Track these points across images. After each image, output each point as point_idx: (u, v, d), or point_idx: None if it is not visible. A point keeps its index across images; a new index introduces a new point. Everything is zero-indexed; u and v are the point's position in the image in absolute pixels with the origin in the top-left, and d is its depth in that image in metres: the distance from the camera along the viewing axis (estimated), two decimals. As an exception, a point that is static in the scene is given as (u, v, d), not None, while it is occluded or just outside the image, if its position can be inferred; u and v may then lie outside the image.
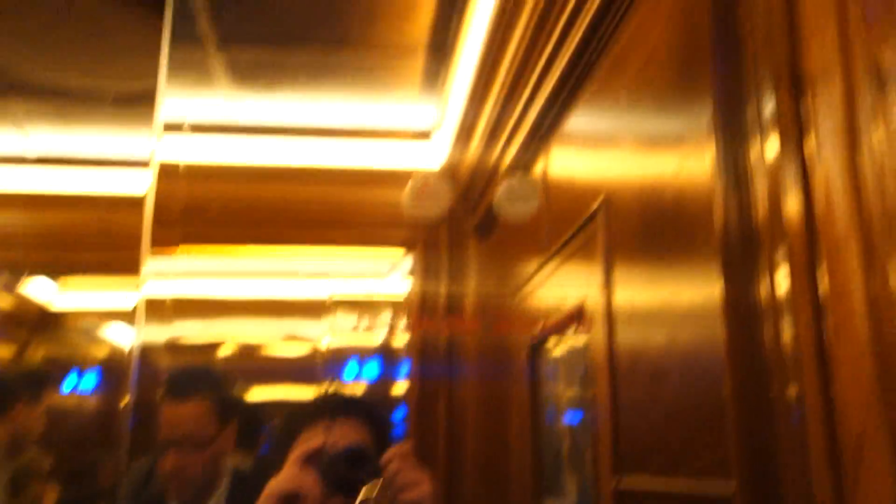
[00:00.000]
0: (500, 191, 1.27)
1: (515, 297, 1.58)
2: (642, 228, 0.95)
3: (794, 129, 0.70)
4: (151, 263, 1.67)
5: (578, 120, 1.26)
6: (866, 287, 0.59)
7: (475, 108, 1.55)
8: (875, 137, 0.63)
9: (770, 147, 0.73)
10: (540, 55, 1.23)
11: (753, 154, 0.76)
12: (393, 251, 1.99)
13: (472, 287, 1.98)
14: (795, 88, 0.71)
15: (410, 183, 1.28)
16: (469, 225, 1.88)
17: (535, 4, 1.10)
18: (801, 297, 0.65)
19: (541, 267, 1.37)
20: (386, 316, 2.19)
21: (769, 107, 0.74)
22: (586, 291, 1.11)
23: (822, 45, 0.69)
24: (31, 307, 2.11)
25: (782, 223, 0.69)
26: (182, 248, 1.70)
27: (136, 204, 1.62)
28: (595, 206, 1.08)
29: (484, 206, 1.74)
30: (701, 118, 0.82)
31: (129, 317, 1.90)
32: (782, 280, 0.68)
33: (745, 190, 0.77)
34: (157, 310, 1.93)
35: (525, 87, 1.36)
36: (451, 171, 1.75)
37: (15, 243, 2.02)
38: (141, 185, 1.64)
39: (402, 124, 1.78)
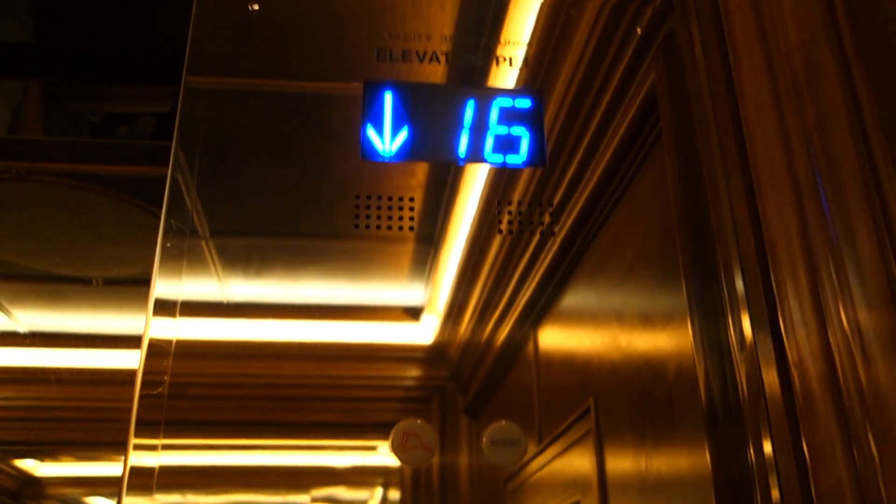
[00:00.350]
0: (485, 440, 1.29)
1: (509, 483, 1.52)
2: (633, 414, 0.97)
3: (766, 308, 0.75)
4: (138, 438, 1.60)
5: (569, 301, 1.27)
6: (845, 456, 0.63)
7: (464, 289, 1.56)
8: (842, 314, 0.67)
9: (745, 325, 0.78)
10: (526, 248, 1.26)
11: (731, 332, 0.81)
12: (383, 428, 1.92)
13: (464, 466, 1.90)
14: (762, 270, 0.77)
15: (396, 429, 1.28)
16: (460, 404, 1.83)
17: (517, 206, 1.14)
18: (786, 470, 0.69)
19: (535, 456, 1.34)
20: (378, 491, 2.08)
21: (739, 287, 0.80)
22: (581, 476, 1.09)
23: (786, 233, 0.74)
24: (14, 479, 2.02)
25: (764, 397, 0.74)
26: (169, 423, 1.64)
27: (124, 380, 1.58)
28: (588, 403, 1.08)
29: (475, 386, 1.71)
30: (678, 301, 0.87)
31: (113, 489, 1.81)
32: (767, 450, 0.72)
33: (727, 366, 0.81)
34: (144, 482, 1.82)
35: (514, 272, 1.38)
36: (440, 350, 1.73)
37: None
38: (130, 361, 1.61)
39: (391, 303, 1.78)
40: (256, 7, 1.04)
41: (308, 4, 1.08)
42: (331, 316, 1.75)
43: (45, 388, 2.06)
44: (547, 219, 1.09)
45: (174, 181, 1.24)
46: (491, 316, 1.60)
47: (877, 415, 0.63)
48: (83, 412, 2.01)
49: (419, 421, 1.28)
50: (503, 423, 1.29)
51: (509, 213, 1.09)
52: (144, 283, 1.58)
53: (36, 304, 1.89)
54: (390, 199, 1.03)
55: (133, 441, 1.04)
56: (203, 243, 1.46)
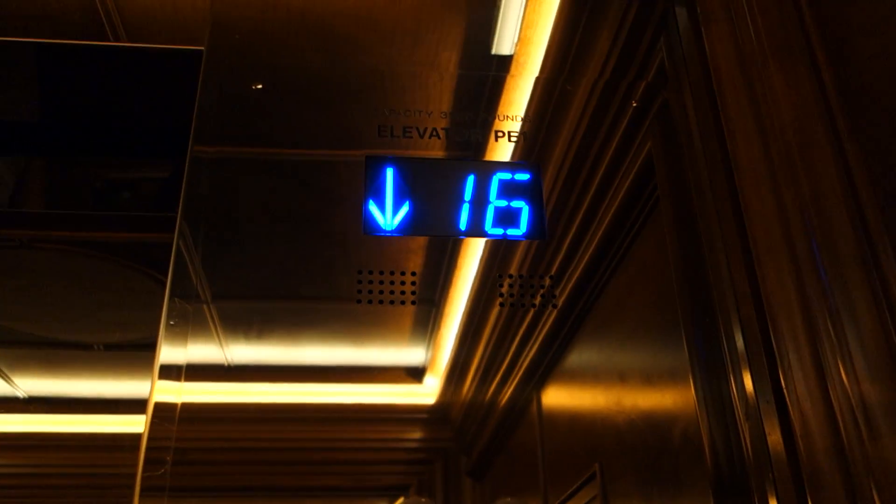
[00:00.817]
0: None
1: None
2: (639, 480, 0.96)
3: (769, 380, 0.75)
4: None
5: (572, 363, 1.27)
6: None
7: (466, 350, 1.56)
8: (846, 386, 0.67)
9: (749, 392, 0.78)
10: (526, 313, 1.27)
11: (736, 400, 0.81)
12: (386, 493, 1.89)
13: (468, 529, 1.87)
14: (764, 340, 0.77)
15: None
16: (464, 466, 1.81)
17: (517, 278, 1.15)
18: None
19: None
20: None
21: (742, 353, 0.80)
22: None
23: (787, 304, 0.74)
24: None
25: (769, 458, 0.73)
26: (174, 489, 1.62)
27: (125, 446, 1.56)
28: (594, 468, 1.07)
29: (478, 447, 1.69)
30: (681, 365, 0.86)
31: None
32: None
33: (731, 427, 0.81)
34: None
35: (516, 334, 1.38)
36: (443, 411, 1.72)
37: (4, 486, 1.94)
38: (132, 426, 1.60)
39: (393, 364, 1.78)
40: (260, 86, 1.06)
41: (310, 82, 1.10)
42: (333, 378, 1.74)
43: (45, 455, 2.03)
44: (546, 289, 1.09)
45: (178, 248, 1.26)
46: (493, 377, 1.59)
47: (885, 489, 0.63)
48: (85, 479, 1.98)
49: (423, 500, 1.27)
50: (509, 500, 1.27)
51: (510, 284, 1.10)
52: (145, 347, 1.58)
53: (36, 370, 1.88)
54: (392, 273, 1.04)
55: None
56: (205, 307, 1.47)
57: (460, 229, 1.03)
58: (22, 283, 1.63)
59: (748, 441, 0.78)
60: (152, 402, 1.18)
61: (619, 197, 1.02)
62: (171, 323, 1.04)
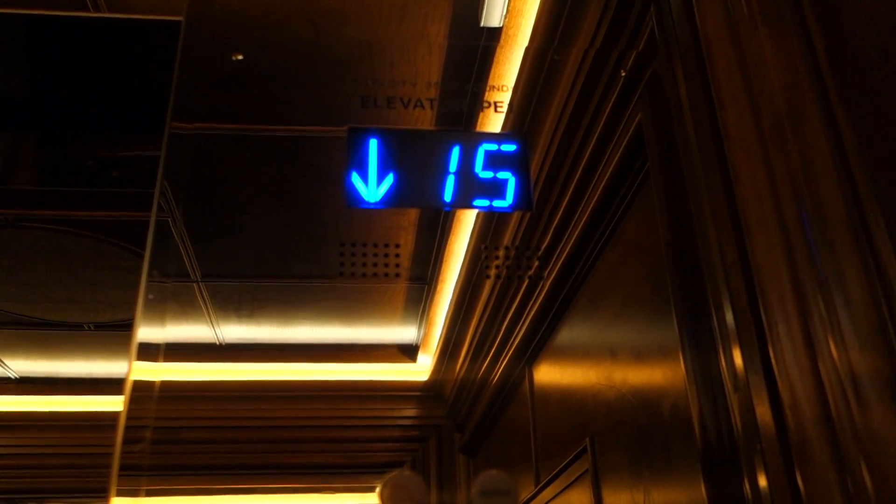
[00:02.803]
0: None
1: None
2: (629, 453, 0.97)
3: (757, 349, 0.74)
4: (122, 482, 1.58)
5: (564, 339, 1.27)
6: (840, 487, 0.63)
7: (458, 328, 1.55)
8: (834, 355, 0.66)
9: (738, 364, 0.78)
10: (518, 289, 1.26)
11: (724, 371, 0.81)
12: (379, 470, 1.90)
13: (463, 504, 1.89)
14: (753, 311, 0.77)
15: (384, 483, 1.27)
16: (457, 443, 1.81)
17: (506, 251, 1.14)
18: (781, 501, 0.68)
19: (533, 496, 1.33)
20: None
21: (731, 325, 0.80)
22: None
23: (775, 274, 0.74)
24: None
25: (757, 430, 0.72)
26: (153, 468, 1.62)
27: (108, 425, 1.56)
28: (585, 442, 1.08)
29: (471, 424, 1.69)
30: (671, 338, 0.87)
31: None
32: (763, 491, 0.71)
33: (719, 400, 0.80)
34: None
35: (508, 311, 1.38)
36: (436, 388, 1.72)
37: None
38: (116, 405, 1.60)
39: (386, 342, 1.77)
40: (240, 57, 1.05)
41: (292, 53, 1.09)
42: (325, 356, 1.73)
43: (35, 435, 2.03)
44: (535, 263, 1.09)
45: (165, 225, 1.24)
46: (486, 354, 1.59)
47: (874, 459, 0.62)
48: (74, 458, 1.98)
49: (407, 472, 1.27)
50: (494, 472, 1.27)
51: (497, 257, 1.09)
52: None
53: (27, 351, 1.87)
54: (375, 245, 1.03)
55: (115, 487, 1.03)
56: (195, 287, 1.46)
57: (445, 201, 1.02)
58: (9, 262, 1.62)
59: (737, 413, 0.78)
60: (130, 381, 1.17)
61: (610, 169, 1.01)
62: (150, 297, 1.03)
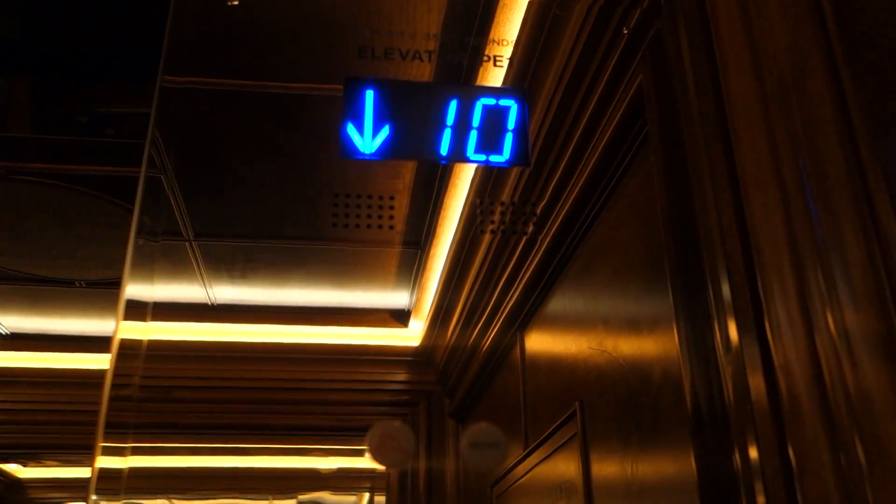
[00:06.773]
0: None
1: (495, 487, 1.52)
2: (619, 418, 0.96)
3: (752, 313, 0.73)
4: (108, 441, 1.59)
5: (556, 305, 1.26)
6: (832, 462, 0.62)
7: (451, 294, 1.55)
8: (829, 318, 0.65)
9: (731, 329, 0.76)
10: (513, 251, 1.25)
11: (717, 336, 0.80)
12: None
13: (450, 471, 1.90)
14: (748, 274, 0.76)
15: (373, 431, 1.27)
16: (447, 408, 1.82)
17: (503, 207, 1.13)
18: (772, 476, 0.67)
19: (521, 460, 1.33)
20: (364, 495, 2.08)
21: (725, 291, 0.80)
22: (566, 481, 1.09)
23: (773, 237, 0.73)
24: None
25: (750, 401, 0.71)
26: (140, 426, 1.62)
27: (98, 383, 1.56)
28: (574, 407, 1.07)
29: (462, 390, 1.70)
30: (665, 306, 0.87)
31: (84, 491, 1.79)
32: (753, 455, 0.70)
33: (713, 371, 0.79)
34: (112, 484, 1.81)
35: (501, 275, 1.37)
36: (427, 354, 1.72)
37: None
38: (106, 363, 1.60)
39: (378, 307, 1.76)
40: (236, 2, 1.02)
41: (289, 1, 1.07)
42: (318, 319, 1.73)
43: (25, 391, 2.03)
44: (533, 220, 1.08)
45: (156, 182, 1.23)
46: (478, 320, 1.59)
47: (865, 420, 0.62)
48: (64, 415, 1.97)
49: (396, 423, 1.27)
50: (483, 425, 1.27)
51: (492, 212, 1.08)
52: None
53: (19, 307, 1.86)
54: (370, 197, 1.01)
55: (101, 444, 1.02)
56: (187, 245, 1.45)
57: (441, 154, 1.00)
58: (2, 216, 1.60)
59: (728, 375, 0.78)
60: (117, 339, 1.16)
61: (609, 129, 1.00)
62: (139, 242, 1.02)
